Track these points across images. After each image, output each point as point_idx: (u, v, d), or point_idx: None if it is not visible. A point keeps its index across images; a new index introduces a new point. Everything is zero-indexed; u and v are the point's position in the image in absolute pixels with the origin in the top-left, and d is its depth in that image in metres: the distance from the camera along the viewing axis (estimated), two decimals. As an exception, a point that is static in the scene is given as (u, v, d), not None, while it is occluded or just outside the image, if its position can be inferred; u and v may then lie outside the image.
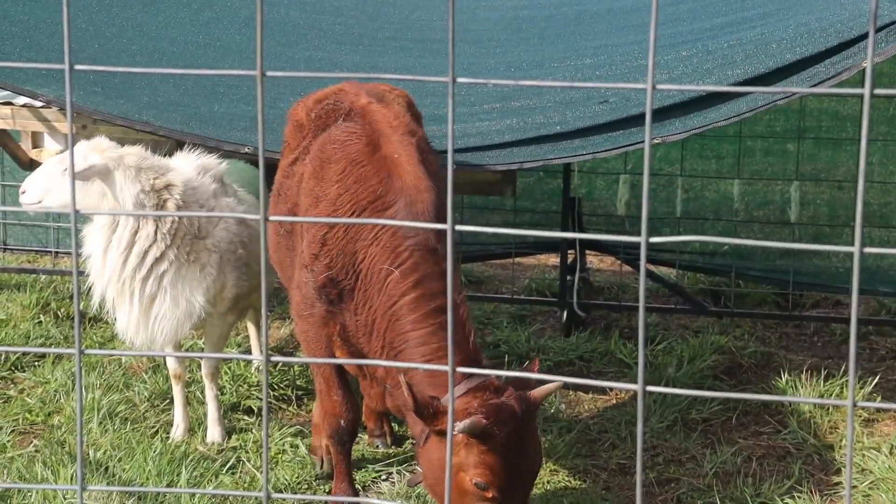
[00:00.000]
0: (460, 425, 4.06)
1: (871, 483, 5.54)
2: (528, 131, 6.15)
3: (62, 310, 7.94)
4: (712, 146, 8.13)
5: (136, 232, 5.53)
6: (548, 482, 5.50)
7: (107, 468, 5.64)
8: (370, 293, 4.77)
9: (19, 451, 5.90)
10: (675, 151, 8.11)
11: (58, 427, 6.13)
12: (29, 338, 6.92)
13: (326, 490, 5.44)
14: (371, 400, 5.20)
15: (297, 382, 6.70)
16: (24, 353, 6.89)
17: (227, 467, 5.66)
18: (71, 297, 7.94)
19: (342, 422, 5.19)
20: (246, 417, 6.31)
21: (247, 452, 5.81)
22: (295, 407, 6.45)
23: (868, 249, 1.49)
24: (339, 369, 5.14)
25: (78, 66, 1.93)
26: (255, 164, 6.34)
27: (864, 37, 5.26)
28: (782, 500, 5.33)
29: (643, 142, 5.23)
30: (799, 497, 5.30)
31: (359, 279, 4.80)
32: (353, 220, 4.81)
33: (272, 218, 5.78)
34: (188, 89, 6.49)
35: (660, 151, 8.07)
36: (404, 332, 4.63)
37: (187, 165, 5.88)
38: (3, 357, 6.87)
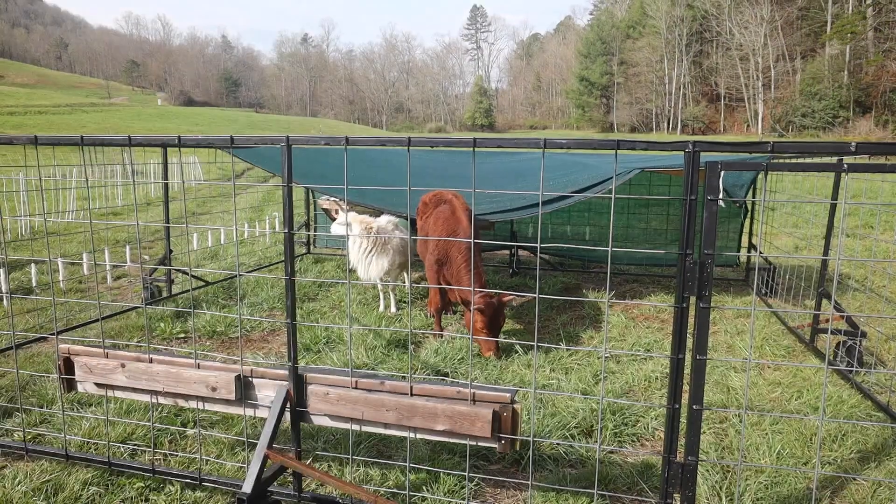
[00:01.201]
0: (475, 306, 4.65)
1: (616, 329, 5.76)
2: (499, 208, 6.27)
3: (341, 267, 7.98)
4: (567, 212, 8.10)
5: (363, 243, 5.90)
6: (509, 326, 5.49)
7: (358, 319, 5.84)
8: (452, 264, 5.13)
9: (321, 304, 6.08)
10: (557, 213, 7.95)
11: (340, 304, 6.24)
12: (328, 276, 6.70)
13: (431, 328, 5.53)
14: (451, 297, 5.42)
15: (420, 294, 6.76)
16: (323, 282, 6.94)
17: (397, 322, 5.88)
18: (342, 264, 8.77)
19: (438, 305, 5.49)
20: (403, 303, 6.31)
21: (406, 314, 6.00)
22: (422, 301, 6.51)
23: (613, 249, 2.56)
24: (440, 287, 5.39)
25: (352, 186, 2.88)
26: (406, 218, 6.55)
27: (609, 178, 5.54)
28: (581, 330, 5.58)
29: (537, 212, 6.20)
30: (584, 330, 5.54)
31: (448, 259, 5.17)
32: (445, 238, 4.95)
33: (414, 237, 6.05)
34: (385, 193, 6.51)
35: (548, 215, 7.58)
36: (462, 276, 4.99)
37: (384, 219, 6.22)
38: (317, 283, 6.81)
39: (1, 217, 3.39)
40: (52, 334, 4.72)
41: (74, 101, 72.13)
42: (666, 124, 78.61)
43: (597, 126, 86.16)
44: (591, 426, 3.63)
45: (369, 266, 6.03)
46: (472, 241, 4.63)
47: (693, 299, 2.25)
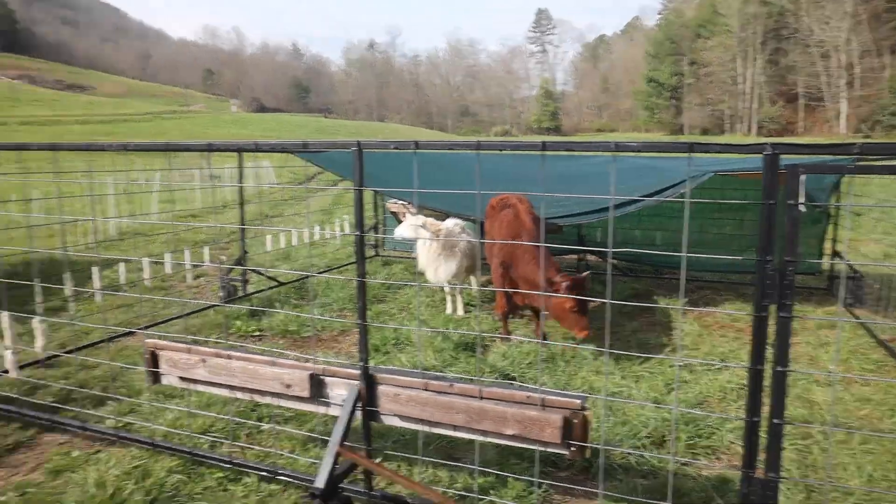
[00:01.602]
0: (564, 285, 4.70)
1: (689, 337, 5.60)
2: (567, 211, 6.35)
3: (409, 270, 8.10)
4: (637, 216, 7.90)
5: (432, 246, 5.98)
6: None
7: (426, 322, 5.93)
8: (519, 265, 5.12)
9: (389, 305, 6.30)
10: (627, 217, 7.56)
11: (408, 306, 6.50)
12: (396, 279, 6.69)
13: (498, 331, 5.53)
14: (517, 300, 5.34)
15: (488, 297, 6.66)
16: (392, 284, 7.05)
17: (465, 326, 5.86)
18: (410, 266, 8.95)
19: (504, 309, 5.45)
20: (470, 306, 6.34)
21: (473, 317, 5.98)
22: (490, 304, 6.49)
23: (685, 254, 2.52)
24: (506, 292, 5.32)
25: (421, 190, 2.88)
26: (474, 222, 6.68)
27: (681, 182, 5.32)
28: (652, 337, 5.42)
29: (606, 216, 6.06)
30: (655, 337, 5.40)
31: (514, 260, 5.16)
32: (510, 242, 5.09)
33: (481, 241, 5.96)
34: (452, 196, 6.55)
35: (617, 219, 7.72)
36: (531, 276, 4.98)
37: (451, 222, 6.21)
38: (385, 286, 7.00)
39: (94, 219, 3.61)
40: (140, 329, 4.98)
41: (156, 110, 75.91)
42: (739, 126, 75.76)
43: (666, 128, 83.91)
44: (663, 437, 3.54)
45: (437, 269, 6.07)
46: (541, 244, 4.58)
47: (773, 308, 2.16)
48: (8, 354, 3.61)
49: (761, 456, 2.34)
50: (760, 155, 2.15)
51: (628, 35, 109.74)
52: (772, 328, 2.15)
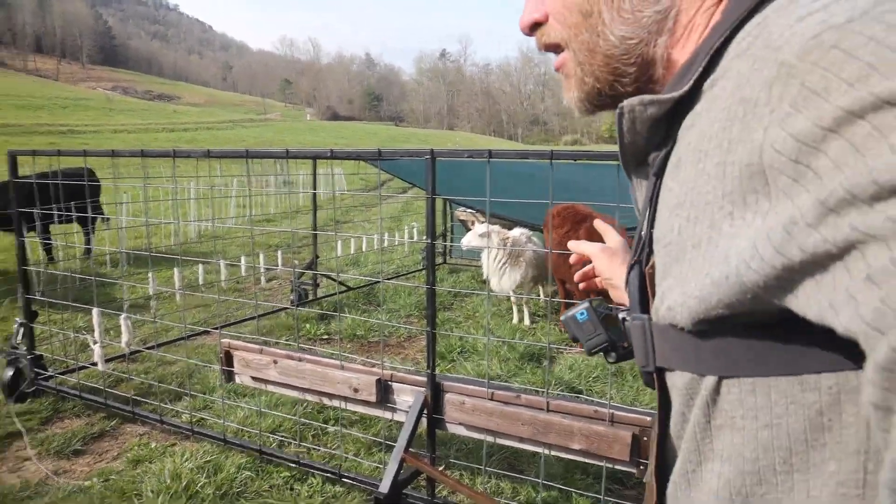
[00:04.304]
0: None
1: None
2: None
3: (476, 278, 8.20)
4: None
5: (497, 255, 5.93)
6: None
7: (485, 326, 5.92)
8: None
9: (455, 313, 6.28)
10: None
11: (474, 314, 6.55)
12: (463, 287, 6.68)
13: (564, 343, 5.42)
14: None
15: (554, 308, 6.33)
16: (459, 292, 7.12)
17: (531, 336, 5.87)
18: (477, 274, 8.95)
19: None
20: (536, 316, 6.31)
21: (540, 328, 5.96)
22: (555, 315, 6.11)
23: None
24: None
25: (493, 199, 2.83)
26: (542, 231, 6.53)
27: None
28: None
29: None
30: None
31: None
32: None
33: (553, 250, 6.51)
34: (518, 205, 6.02)
35: None
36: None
37: (517, 231, 6.16)
38: (452, 293, 7.09)
39: (178, 221, 3.78)
40: (216, 328, 5.16)
41: (236, 118, 79.35)
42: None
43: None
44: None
45: (502, 277, 6.03)
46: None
47: None
48: (96, 348, 3.81)
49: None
50: None
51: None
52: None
